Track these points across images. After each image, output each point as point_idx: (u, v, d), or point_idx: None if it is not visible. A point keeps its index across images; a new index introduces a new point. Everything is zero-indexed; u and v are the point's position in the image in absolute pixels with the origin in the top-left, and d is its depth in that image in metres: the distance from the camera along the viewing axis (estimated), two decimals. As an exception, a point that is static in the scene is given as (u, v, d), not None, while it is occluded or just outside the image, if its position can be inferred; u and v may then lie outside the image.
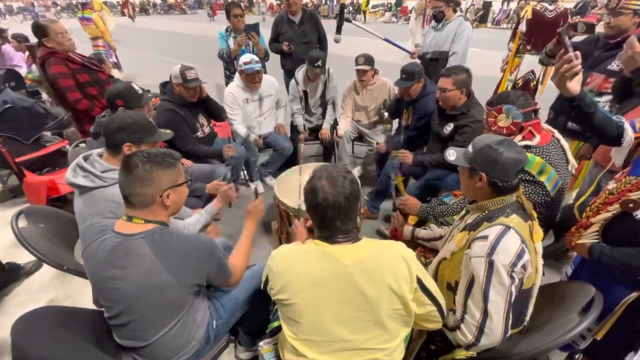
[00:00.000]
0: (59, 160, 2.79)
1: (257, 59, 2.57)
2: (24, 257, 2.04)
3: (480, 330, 0.95)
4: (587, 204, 1.26)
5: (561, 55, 1.08)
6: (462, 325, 0.98)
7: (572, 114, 1.16)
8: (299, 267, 0.92)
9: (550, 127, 1.47)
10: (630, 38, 1.44)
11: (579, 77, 1.08)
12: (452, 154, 1.15)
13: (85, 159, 1.33)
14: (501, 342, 0.95)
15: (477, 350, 0.98)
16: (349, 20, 3.22)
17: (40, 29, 2.30)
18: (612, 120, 1.17)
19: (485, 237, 0.96)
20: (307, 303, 0.90)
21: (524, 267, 0.93)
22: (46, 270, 2.10)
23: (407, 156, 2.10)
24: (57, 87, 2.40)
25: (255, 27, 3.11)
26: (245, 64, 2.53)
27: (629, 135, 1.19)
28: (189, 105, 2.29)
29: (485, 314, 0.94)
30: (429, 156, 2.10)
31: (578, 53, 1.05)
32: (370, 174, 3.22)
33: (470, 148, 1.08)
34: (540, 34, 2.90)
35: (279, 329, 1.11)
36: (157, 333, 1.02)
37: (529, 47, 3.00)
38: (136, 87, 1.80)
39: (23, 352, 0.84)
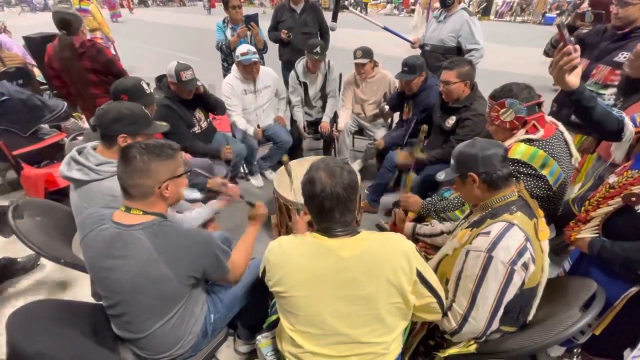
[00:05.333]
0: (57, 153, 2.77)
1: (254, 49, 2.53)
2: (22, 253, 2.03)
3: (465, 318, 0.98)
4: (586, 198, 1.24)
5: (560, 48, 1.06)
6: (448, 313, 1.02)
7: (572, 107, 1.15)
8: (296, 261, 0.91)
9: (554, 120, 1.44)
10: (637, 48, 1.37)
11: (578, 71, 1.07)
12: (441, 174, 1.22)
13: (80, 152, 1.31)
14: (483, 334, 0.99)
15: (460, 338, 1.03)
16: (345, 7, 3.15)
17: (75, 20, 2.42)
18: (613, 115, 1.16)
19: (487, 233, 0.97)
20: (305, 296, 0.89)
21: (525, 265, 0.93)
22: (43, 266, 2.10)
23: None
24: (112, 72, 2.54)
25: (254, 18, 3.06)
26: (242, 54, 2.49)
27: (630, 130, 1.17)
28: (185, 100, 2.24)
29: (472, 303, 0.97)
30: (429, 154, 2.10)
31: (577, 46, 1.04)
32: (370, 167, 3.20)
33: (452, 161, 1.15)
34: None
35: (276, 322, 1.10)
36: (153, 325, 1.02)
37: None
38: (144, 86, 1.74)
39: (18, 347, 0.83)
